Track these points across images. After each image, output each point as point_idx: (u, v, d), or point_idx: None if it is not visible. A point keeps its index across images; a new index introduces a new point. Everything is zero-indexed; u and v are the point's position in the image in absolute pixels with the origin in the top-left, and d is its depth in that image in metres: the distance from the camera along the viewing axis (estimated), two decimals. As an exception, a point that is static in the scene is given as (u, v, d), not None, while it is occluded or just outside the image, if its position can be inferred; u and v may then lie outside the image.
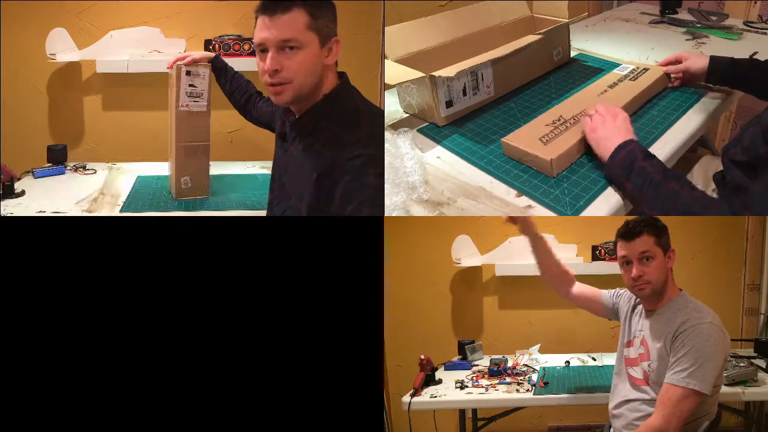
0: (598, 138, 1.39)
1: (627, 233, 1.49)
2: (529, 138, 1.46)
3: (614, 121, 1.40)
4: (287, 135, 1.38)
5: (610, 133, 1.38)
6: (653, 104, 1.73)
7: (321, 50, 1.28)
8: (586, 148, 1.46)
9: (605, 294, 1.74)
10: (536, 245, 1.73)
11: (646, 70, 1.83)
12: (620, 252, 1.51)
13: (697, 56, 1.78)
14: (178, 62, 1.85)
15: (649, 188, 1.27)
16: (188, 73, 1.85)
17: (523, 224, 1.67)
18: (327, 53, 1.30)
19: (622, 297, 1.68)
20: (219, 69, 1.90)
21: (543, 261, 1.75)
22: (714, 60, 1.73)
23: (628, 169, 1.30)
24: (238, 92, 1.86)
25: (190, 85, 1.86)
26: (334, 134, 1.27)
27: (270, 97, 1.35)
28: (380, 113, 1.41)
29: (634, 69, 1.84)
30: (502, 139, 1.50)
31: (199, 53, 1.91)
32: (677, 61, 1.80)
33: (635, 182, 1.29)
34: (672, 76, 1.82)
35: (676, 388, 1.36)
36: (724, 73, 1.73)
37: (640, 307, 1.58)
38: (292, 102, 1.32)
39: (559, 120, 1.52)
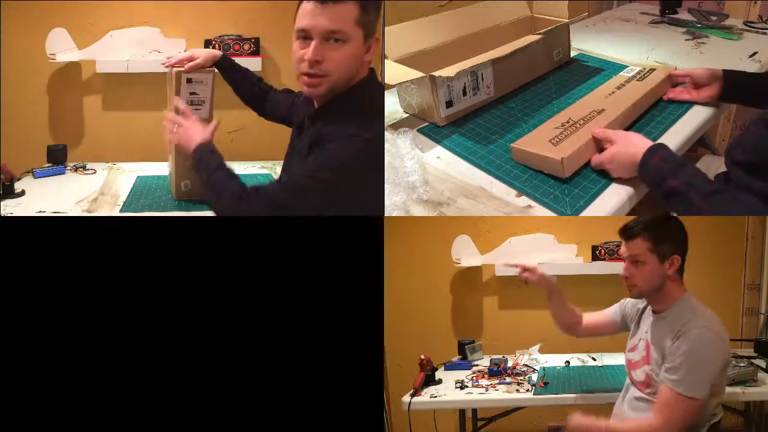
0: (616, 160, 1.38)
1: (624, 232, 1.48)
2: (538, 141, 1.45)
3: (626, 141, 1.39)
4: (305, 125, 1.36)
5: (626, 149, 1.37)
6: (654, 104, 1.73)
7: (362, 46, 1.26)
8: (598, 149, 1.43)
9: (611, 312, 1.73)
10: (551, 298, 1.74)
11: (652, 70, 1.81)
12: (621, 247, 1.51)
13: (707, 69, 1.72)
14: (176, 68, 1.72)
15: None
16: (189, 80, 1.72)
17: (540, 279, 1.69)
18: (366, 50, 1.28)
19: (628, 304, 1.67)
20: (227, 68, 1.79)
21: (558, 312, 1.77)
22: (727, 73, 1.68)
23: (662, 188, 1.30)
24: (251, 90, 1.79)
25: (192, 93, 1.73)
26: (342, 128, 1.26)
27: (303, 87, 1.30)
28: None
29: (641, 70, 1.82)
30: (512, 145, 1.48)
31: (203, 51, 1.75)
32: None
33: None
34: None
35: (671, 392, 1.35)
36: (737, 86, 1.68)
37: (649, 309, 1.57)
38: (324, 95, 1.29)
39: (568, 122, 1.51)
